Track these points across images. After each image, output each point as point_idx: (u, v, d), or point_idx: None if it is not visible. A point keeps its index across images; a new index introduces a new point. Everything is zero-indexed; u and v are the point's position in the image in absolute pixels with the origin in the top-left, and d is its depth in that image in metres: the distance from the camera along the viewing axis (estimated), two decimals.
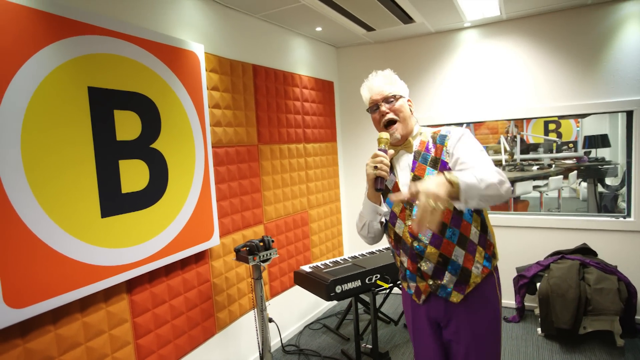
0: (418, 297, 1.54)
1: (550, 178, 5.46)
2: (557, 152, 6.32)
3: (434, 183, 1.15)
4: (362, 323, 3.39)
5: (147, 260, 2.01)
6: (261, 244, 2.44)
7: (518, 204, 5.83)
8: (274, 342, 3.13)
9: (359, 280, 2.56)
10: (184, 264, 2.32)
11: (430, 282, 1.48)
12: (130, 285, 2.00)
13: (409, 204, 1.47)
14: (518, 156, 5.91)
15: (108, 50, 1.84)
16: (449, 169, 1.43)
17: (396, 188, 1.52)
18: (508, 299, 3.61)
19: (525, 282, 3.30)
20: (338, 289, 2.47)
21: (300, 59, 3.56)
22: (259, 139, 3.01)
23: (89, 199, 1.73)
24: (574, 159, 6.08)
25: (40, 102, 1.57)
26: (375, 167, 1.40)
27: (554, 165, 5.69)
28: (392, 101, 1.51)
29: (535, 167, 5.72)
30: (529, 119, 7.34)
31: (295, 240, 3.40)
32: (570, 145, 6.50)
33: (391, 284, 2.66)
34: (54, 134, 1.62)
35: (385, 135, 1.47)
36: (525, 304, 3.42)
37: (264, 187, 3.05)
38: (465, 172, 1.25)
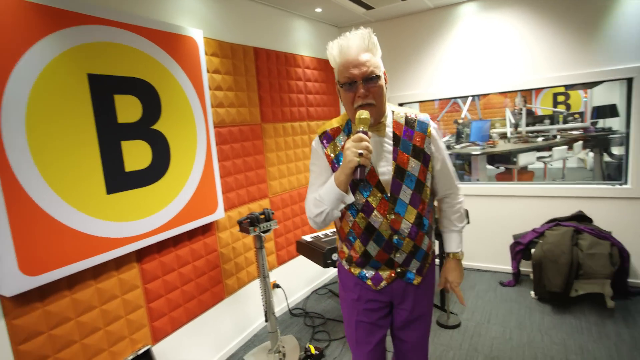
0: (376, 284, 1.39)
1: (554, 149, 5.24)
2: (564, 122, 6.03)
3: (458, 272, 1.51)
4: None
5: (153, 232, 2.07)
6: (262, 216, 2.46)
7: (523, 175, 5.65)
8: (282, 306, 3.21)
9: None
10: (191, 235, 2.38)
11: (398, 270, 1.38)
12: (140, 255, 2.07)
13: (392, 196, 1.30)
14: (523, 128, 5.67)
15: (105, 38, 1.85)
16: (428, 162, 1.33)
17: (371, 176, 1.29)
18: (505, 265, 3.55)
19: (521, 248, 3.23)
20: (334, 256, 2.49)
21: (302, 40, 3.48)
22: (262, 118, 3.00)
23: (94, 177, 1.78)
24: (580, 130, 5.79)
25: (42, 89, 1.60)
26: (361, 154, 1.13)
27: (558, 136, 5.44)
28: (373, 81, 1.22)
29: (540, 139, 5.49)
30: (538, 90, 6.99)
31: (301, 212, 3.42)
32: (576, 115, 6.17)
33: None
34: (57, 119, 1.65)
35: (366, 114, 1.19)
36: (521, 269, 3.36)
37: (268, 164, 3.06)
38: (453, 231, 1.50)
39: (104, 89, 1.84)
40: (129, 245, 1.93)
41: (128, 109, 1.95)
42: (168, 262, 2.23)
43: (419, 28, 3.69)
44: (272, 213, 2.51)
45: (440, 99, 4.14)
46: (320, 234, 2.90)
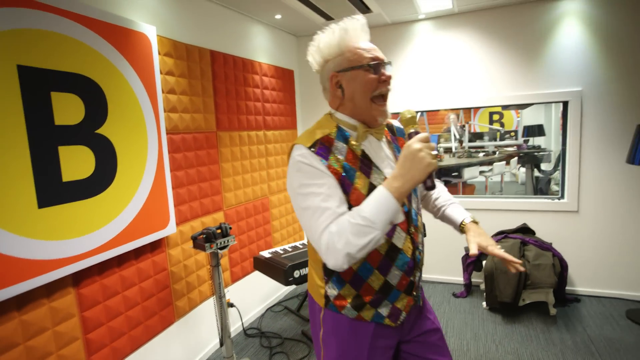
0: (395, 319, 1.16)
1: (494, 164, 5.59)
2: (501, 140, 6.49)
3: (485, 235, 1.21)
4: None
5: (95, 252, 1.79)
6: (218, 231, 2.27)
7: (466, 188, 5.95)
8: (236, 326, 2.99)
9: None
10: (138, 253, 2.12)
11: (415, 293, 1.19)
12: (77, 278, 1.78)
13: (408, 207, 1.16)
14: (466, 144, 6.00)
15: (41, 26, 1.58)
16: None
17: None
18: (457, 276, 3.66)
19: (472, 260, 3.34)
20: (296, 273, 2.36)
21: (260, 47, 3.35)
22: (217, 126, 2.80)
23: (22, 188, 1.50)
24: (515, 147, 6.26)
25: None
26: (436, 156, 0.97)
27: (497, 152, 5.83)
28: (390, 68, 1.12)
29: (481, 154, 5.84)
30: (476, 109, 7.49)
31: (256, 226, 3.24)
32: (512, 133, 6.69)
33: None
34: None
35: (413, 112, 1.06)
36: (472, 280, 3.48)
37: (223, 174, 2.86)
38: (454, 202, 1.38)
39: (38, 84, 1.57)
40: (64, 268, 1.65)
41: (68, 109, 1.69)
42: (111, 285, 1.95)
43: (375, 42, 3.68)
44: (230, 228, 2.32)
45: (392, 113, 4.22)
46: (278, 249, 2.75)
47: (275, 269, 2.44)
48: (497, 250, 1.13)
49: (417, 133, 1.01)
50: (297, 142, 1.09)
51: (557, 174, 5.00)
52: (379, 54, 1.11)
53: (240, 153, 3.05)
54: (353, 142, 1.11)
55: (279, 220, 3.57)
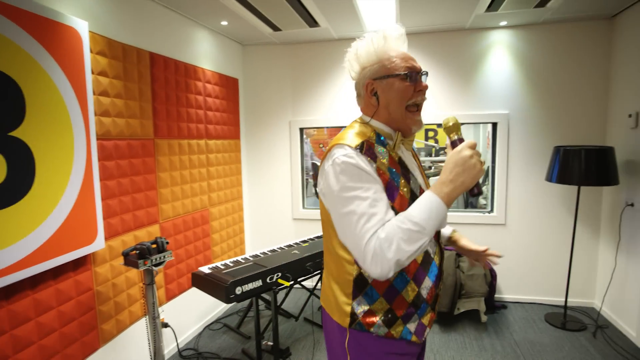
0: (421, 335, 1.12)
1: (430, 178, 5.91)
2: (436, 155, 6.88)
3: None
4: (263, 319, 3.20)
5: (1, 273, 1.55)
6: (154, 246, 2.10)
7: None
8: (171, 348, 2.77)
9: (260, 280, 2.37)
10: (57, 272, 1.87)
11: (436, 308, 1.17)
12: None
13: None
14: None
15: None
16: None
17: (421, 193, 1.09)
18: None
19: None
20: (238, 290, 2.25)
21: (205, 53, 3.22)
22: (155, 133, 2.62)
23: None
24: None
25: None
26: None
27: (432, 167, 6.16)
28: (426, 78, 1.12)
29: None
30: None
31: (194, 240, 3.06)
32: (447, 150, 7.16)
33: (292, 282, 2.52)
34: None
35: (456, 119, 1.05)
36: None
37: (160, 185, 2.67)
38: None
39: None
40: None
41: None
42: (21, 311, 1.69)
43: (321, 57, 3.77)
44: (167, 242, 2.16)
45: (337, 127, 4.27)
46: (219, 264, 2.61)
47: (215, 285, 2.30)
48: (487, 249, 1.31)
49: (461, 140, 1.01)
50: (339, 142, 1.05)
51: (484, 189, 5.40)
52: (416, 64, 1.10)
53: (179, 162, 2.88)
54: (390, 149, 1.09)
55: (220, 233, 3.41)
